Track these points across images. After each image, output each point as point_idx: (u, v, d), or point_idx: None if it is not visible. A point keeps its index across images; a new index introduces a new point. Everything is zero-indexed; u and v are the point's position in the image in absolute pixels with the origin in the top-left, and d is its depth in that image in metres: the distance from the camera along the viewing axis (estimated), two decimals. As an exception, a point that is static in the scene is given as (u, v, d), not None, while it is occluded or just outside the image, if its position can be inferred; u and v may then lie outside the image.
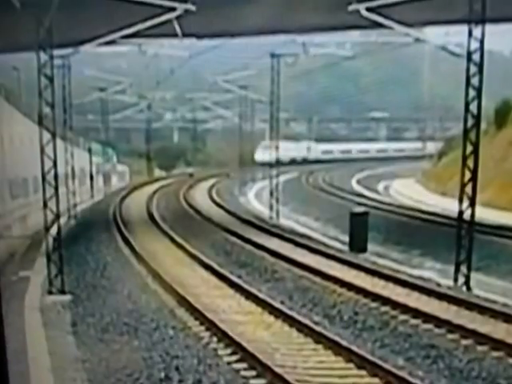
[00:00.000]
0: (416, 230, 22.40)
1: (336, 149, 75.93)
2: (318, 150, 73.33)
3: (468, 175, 13.63)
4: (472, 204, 13.62)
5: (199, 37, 20.69)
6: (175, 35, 17.67)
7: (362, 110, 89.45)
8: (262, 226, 22.68)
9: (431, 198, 33.27)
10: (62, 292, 13.16)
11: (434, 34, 22.62)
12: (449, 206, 23.65)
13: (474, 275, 13.77)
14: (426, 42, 20.32)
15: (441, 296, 12.12)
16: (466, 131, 13.66)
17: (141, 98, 50.48)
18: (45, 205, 13.43)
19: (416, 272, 15.26)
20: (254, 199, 36.37)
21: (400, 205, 30.53)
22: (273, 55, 25.47)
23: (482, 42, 13.25)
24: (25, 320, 10.95)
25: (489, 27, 13.47)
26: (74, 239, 19.81)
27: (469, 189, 13.63)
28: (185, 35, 18.11)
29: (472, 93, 13.41)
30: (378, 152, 79.10)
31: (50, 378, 8.08)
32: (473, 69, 13.39)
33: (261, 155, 61.75)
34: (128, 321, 11.08)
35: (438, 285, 13.44)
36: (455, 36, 20.01)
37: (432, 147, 72.76)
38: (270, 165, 29.40)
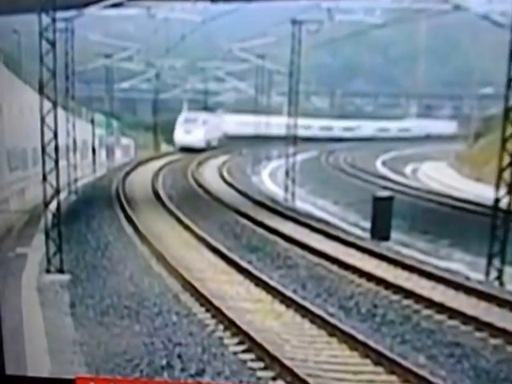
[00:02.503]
0: (445, 218, 22.34)
1: (254, 121, 65.86)
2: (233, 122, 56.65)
3: (507, 159, 13.58)
4: (510, 191, 13.58)
5: (214, 0, 20.63)
6: (188, -3, 17.66)
7: (391, 84, 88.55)
8: (275, 208, 22.74)
9: (464, 184, 33.09)
10: (61, 271, 13.38)
11: (476, 1, 22.29)
12: (483, 192, 23.53)
13: (507, 269, 13.79)
14: (467, 9, 20.09)
15: (469, 291, 12.16)
16: (506, 110, 13.57)
17: (148, 65, 50.40)
18: (44, 178, 13.60)
19: (443, 264, 15.28)
20: (268, 179, 36.39)
21: (429, 190, 30.41)
22: (294, 22, 25.31)
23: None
24: (21, 299, 11.20)
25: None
26: (74, 216, 20.02)
27: (507, 175, 13.59)
28: (198, -3, 18.09)
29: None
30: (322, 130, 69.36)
31: (46, 360, 8.30)
32: (516, 41, 13.27)
33: (182, 136, 50.49)
34: (129, 304, 11.30)
35: (467, 278, 13.48)
36: (499, 4, 19.74)
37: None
38: (194, 150, 26.55)
